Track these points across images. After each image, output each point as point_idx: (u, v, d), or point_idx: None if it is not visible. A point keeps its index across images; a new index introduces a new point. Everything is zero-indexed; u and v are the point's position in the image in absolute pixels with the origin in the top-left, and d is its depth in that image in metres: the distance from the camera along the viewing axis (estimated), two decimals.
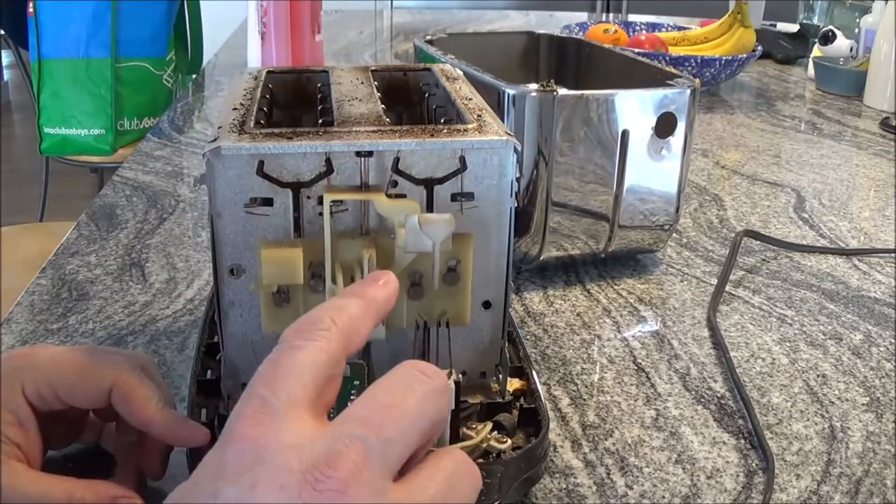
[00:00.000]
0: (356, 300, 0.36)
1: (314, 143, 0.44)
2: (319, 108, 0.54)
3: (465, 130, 0.46)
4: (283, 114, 0.59)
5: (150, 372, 0.46)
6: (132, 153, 1.08)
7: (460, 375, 0.45)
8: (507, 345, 0.51)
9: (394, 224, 0.44)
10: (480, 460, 0.46)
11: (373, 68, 0.60)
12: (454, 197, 0.46)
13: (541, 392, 0.50)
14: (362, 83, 0.57)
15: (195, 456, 0.44)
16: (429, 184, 0.45)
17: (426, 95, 0.60)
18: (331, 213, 0.44)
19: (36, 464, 0.42)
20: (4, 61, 4.58)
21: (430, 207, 0.46)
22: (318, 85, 0.58)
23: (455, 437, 0.45)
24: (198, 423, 0.44)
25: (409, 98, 0.60)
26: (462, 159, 0.45)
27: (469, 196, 0.46)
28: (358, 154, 0.44)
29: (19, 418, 0.42)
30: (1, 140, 3.81)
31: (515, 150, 0.45)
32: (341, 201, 0.45)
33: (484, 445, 0.46)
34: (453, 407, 0.43)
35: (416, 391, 0.33)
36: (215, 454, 0.31)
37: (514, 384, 0.51)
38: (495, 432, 0.47)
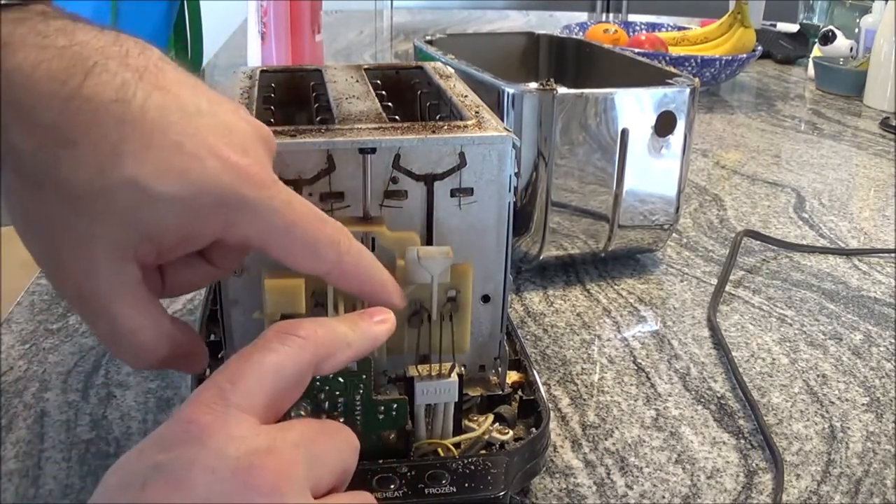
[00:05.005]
0: (346, 327, 0.37)
1: (317, 140, 0.44)
2: (315, 106, 0.54)
3: (465, 126, 0.47)
4: (278, 112, 0.59)
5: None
6: None
7: (462, 368, 0.45)
8: (504, 338, 0.51)
9: (394, 255, 0.45)
10: (483, 451, 0.46)
11: (365, 66, 0.61)
12: (454, 192, 0.46)
13: (539, 383, 0.51)
14: (357, 81, 0.57)
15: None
16: (429, 179, 0.46)
17: (420, 93, 0.60)
18: (333, 211, 0.44)
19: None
20: None
21: (429, 203, 0.46)
22: (312, 83, 0.59)
23: (458, 429, 0.45)
24: (202, 348, 0.43)
25: (402, 96, 0.60)
26: (462, 155, 0.45)
27: (468, 191, 0.46)
28: (361, 150, 0.44)
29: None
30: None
31: (514, 144, 0.46)
32: (342, 199, 0.45)
33: (486, 437, 0.47)
34: (456, 399, 0.44)
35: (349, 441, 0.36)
36: (166, 429, 0.32)
37: (511, 377, 0.52)
38: (496, 424, 0.48)
